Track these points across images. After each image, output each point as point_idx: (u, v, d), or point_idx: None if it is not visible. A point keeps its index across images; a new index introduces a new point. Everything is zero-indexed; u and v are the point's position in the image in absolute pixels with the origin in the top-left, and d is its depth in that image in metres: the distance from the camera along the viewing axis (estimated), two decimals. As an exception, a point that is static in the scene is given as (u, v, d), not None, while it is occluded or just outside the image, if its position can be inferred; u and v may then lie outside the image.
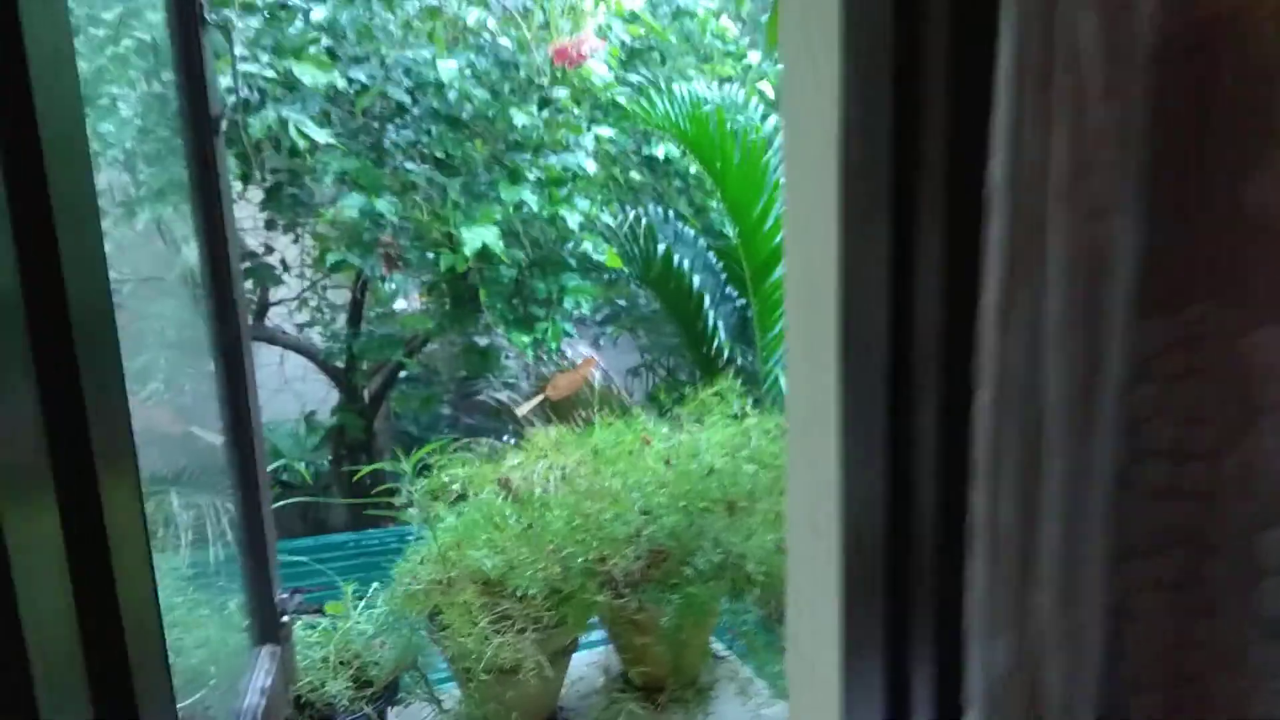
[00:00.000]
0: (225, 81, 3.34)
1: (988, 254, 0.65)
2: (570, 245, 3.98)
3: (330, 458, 5.55)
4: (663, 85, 4.89)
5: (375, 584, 2.27)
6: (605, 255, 4.02)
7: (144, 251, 1.79)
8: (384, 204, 3.57)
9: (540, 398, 4.15)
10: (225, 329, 1.74)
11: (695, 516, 2.14)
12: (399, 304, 5.36)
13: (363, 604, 2.22)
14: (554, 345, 4.11)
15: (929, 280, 0.71)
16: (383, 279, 3.83)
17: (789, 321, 0.88)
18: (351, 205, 3.56)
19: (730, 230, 5.04)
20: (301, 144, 3.42)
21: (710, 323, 4.77)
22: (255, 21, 3.56)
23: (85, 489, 0.72)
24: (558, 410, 4.29)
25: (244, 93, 3.39)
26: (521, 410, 4.08)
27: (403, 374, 5.39)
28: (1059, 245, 0.58)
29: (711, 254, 5.25)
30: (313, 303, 5.41)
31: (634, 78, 4.81)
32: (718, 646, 2.49)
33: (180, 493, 1.84)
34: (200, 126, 1.67)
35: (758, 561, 2.12)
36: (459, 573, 2.08)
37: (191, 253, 1.70)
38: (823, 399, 0.82)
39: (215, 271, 1.71)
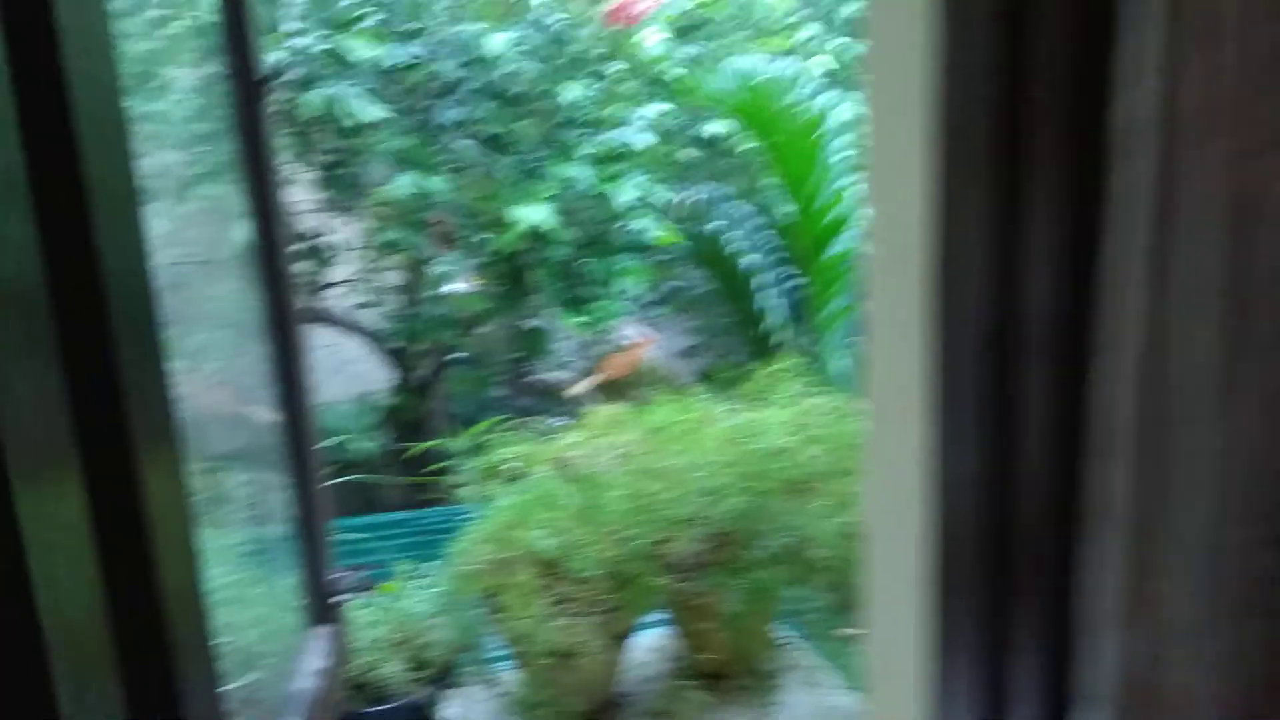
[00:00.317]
0: (276, 56, 3.34)
1: (1112, 205, 0.59)
2: (622, 225, 3.92)
3: (386, 437, 5.61)
4: (716, 59, 4.79)
5: (431, 564, 2.25)
6: (658, 234, 3.96)
7: (196, 230, 1.78)
8: (435, 182, 3.54)
9: (593, 379, 4.11)
10: (277, 306, 1.72)
11: (759, 498, 2.08)
12: (452, 286, 5.37)
13: (419, 584, 2.20)
14: (606, 326, 4.06)
15: (1038, 238, 0.65)
16: (435, 260, 3.81)
17: (870, 289, 0.82)
18: (403, 184, 3.55)
19: (785, 207, 4.94)
20: (351, 122, 3.40)
21: (764, 302, 4.68)
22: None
23: (121, 468, 0.70)
24: (610, 391, 4.25)
25: (295, 70, 3.38)
26: (573, 391, 4.05)
27: (455, 355, 5.40)
28: (1204, 190, 0.51)
29: (766, 232, 5.15)
30: (369, 284, 5.45)
31: (688, 50, 4.72)
32: (783, 633, 2.44)
33: (233, 470, 1.83)
34: (248, 100, 1.65)
35: (825, 546, 2.06)
36: (516, 553, 2.06)
37: (242, 229, 1.69)
38: (908, 372, 0.76)
39: (266, 247, 1.68)
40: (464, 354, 5.38)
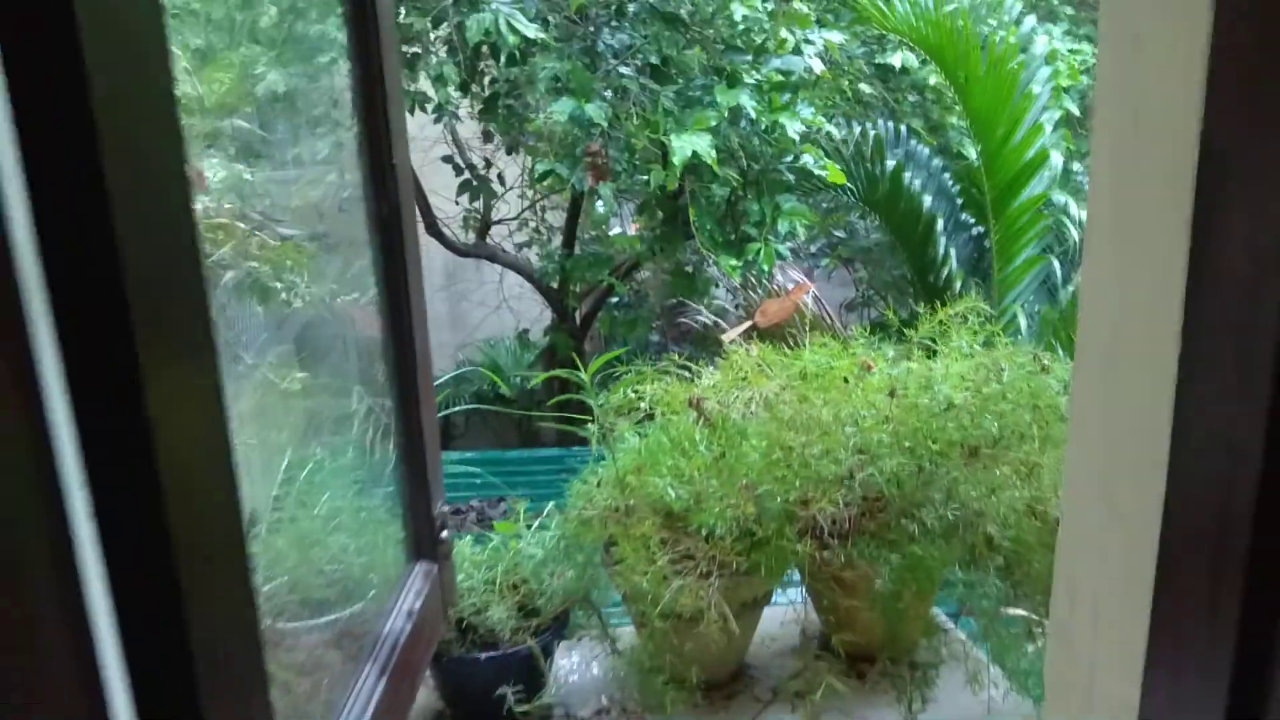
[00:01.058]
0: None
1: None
2: (789, 160, 3.55)
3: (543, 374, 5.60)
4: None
5: (554, 503, 2.04)
6: (826, 169, 3.57)
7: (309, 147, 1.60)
8: (594, 109, 3.30)
9: (748, 324, 3.80)
10: (383, 208, 1.52)
11: (924, 461, 1.73)
12: (613, 228, 5.19)
13: (536, 525, 1.99)
14: (765, 268, 3.72)
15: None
16: (591, 191, 3.58)
17: (1091, 214, 0.69)
18: (561, 110, 3.32)
19: (970, 150, 4.43)
20: (513, 40, 3.20)
21: (941, 250, 4.21)
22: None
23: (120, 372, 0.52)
24: (766, 338, 3.93)
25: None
26: (729, 336, 3.75)
27: (613, 296, 5.24)
28: None
29: (947, 176, 4.65)
30: (532, 223, 5.35)
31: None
32: (944, 620, 2.08)
33: (345, 392, 1.67)
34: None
35: (1002, 523, 1.69)
36: (638, 501, 1.81)
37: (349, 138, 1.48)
38: (1139, 316, 0.62)
39: (373, 161, 1.48)
40: (622, 295, 5.22)
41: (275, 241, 1.40)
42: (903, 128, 4.60)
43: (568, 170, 3.53)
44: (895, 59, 4.42)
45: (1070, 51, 4.51)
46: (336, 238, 1.61)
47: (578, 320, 5.34)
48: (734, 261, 3.78)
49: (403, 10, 3.65)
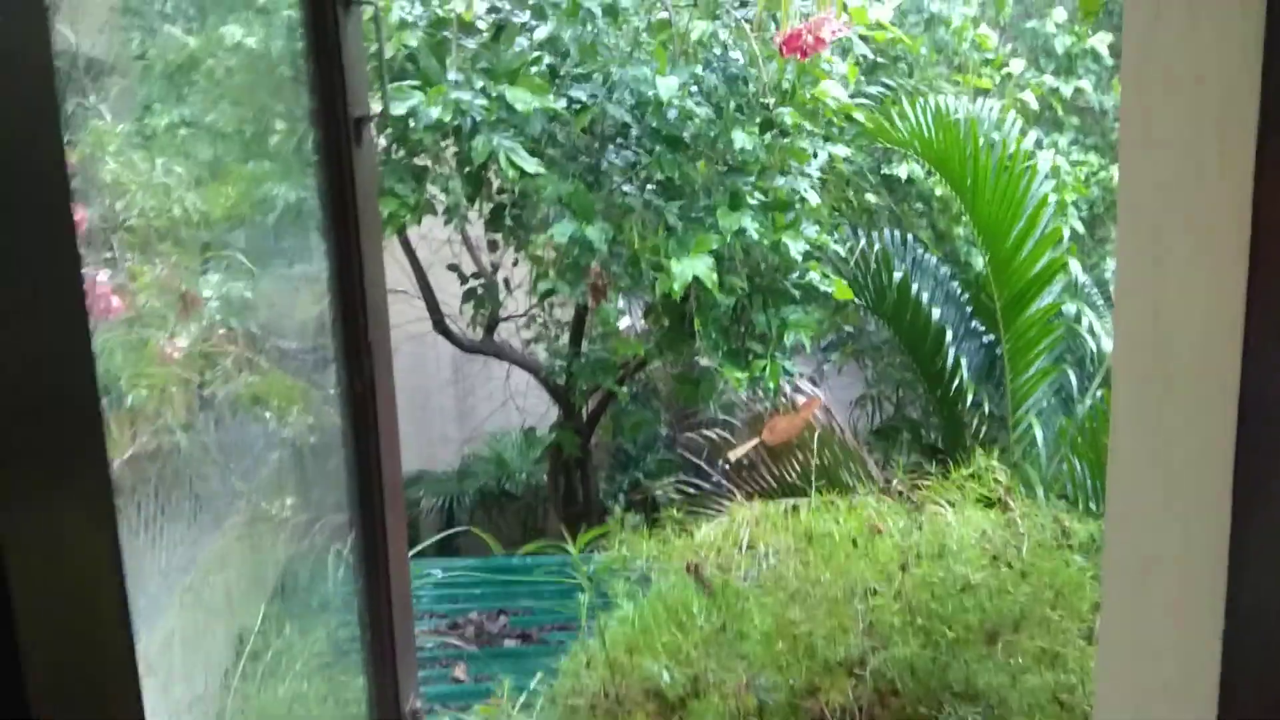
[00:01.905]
0: (436, 113, 3.13)
1: None
2: (794, 277, 3.46)
3: (548, 472, 5.48)
4: (907, 97, 4.29)
5: (534, 680, 1.87)
6: (833, 286, 3.47)
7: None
8: (594, 231, 3.23)
9: (755, 441, 3.66)
10: (357, 385, 1.41)
11: (941, 649, 1.57)
12: (623, 323, 5.12)
13: (521, 707, 1.83)
14: (772, 386, 3.61)
15: None
16: (592, 310, 3.50)
17: (1118, 349, 0.64)
18: (562, 232, 3.26)
19: (978, 259, 4.33)
20: (512, 174, 3.16)
21: (952, 361, 4.08)
22: (473, 42, 3.35)
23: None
24: (774, 454, 3.79)
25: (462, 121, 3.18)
26: (735, 454, 3.61)
27: (619, 395, 5.14)
28: None
29: (955, 284, 4.55)
30: (540, 319, 5.29)
31: (875, 89, 4.23)
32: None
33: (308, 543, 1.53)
34: (340, 141, 1.34)
35: (1026, 716, 1.51)
36: (630, 685, 1.65)
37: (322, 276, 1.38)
38: (1186, 486, 0.54)
39: (346, 315, 1.38)
40: (628, 394, 5.12)
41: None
42: (909, 237, 4.52)
43: (569, 288, 3.46)
44: (901, 170, 4.37)
45: (1075, 163, 4.44)
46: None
47: (584, 417, 5.24)
48: (739, 374, 3.66)
49: (411, 122, 3.63)
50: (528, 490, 6.26)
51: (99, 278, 1.07)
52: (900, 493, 1.96)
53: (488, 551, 5.10)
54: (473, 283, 4.59)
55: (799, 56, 3.04)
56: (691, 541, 1.91)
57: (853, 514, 1.86)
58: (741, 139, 3.16)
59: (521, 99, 3.04)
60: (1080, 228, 4.21)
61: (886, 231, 4.51)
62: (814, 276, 3.39)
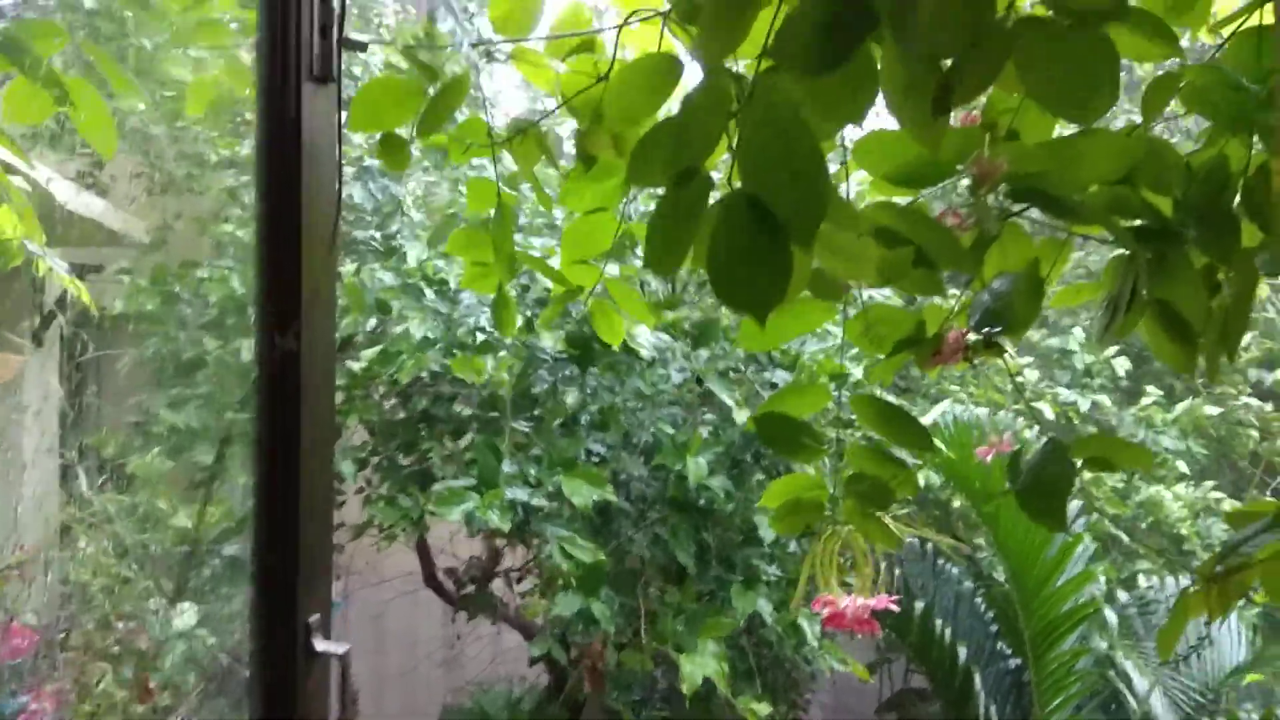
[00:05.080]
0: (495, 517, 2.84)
1: None
2: (809, 661, 3.13)
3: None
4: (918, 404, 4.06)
5: None
6: (852, 668, 3.13)
7: None
8: (600, 608, 2.91)
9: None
10: None
11: None
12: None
13: None
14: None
15: None
16: (586, 697, 3.16)
17: None
18: (568, 606, 2.93)
19: (1000, 573, 3.99)
20: (569, 567, 2.86)
21: (982, 710, 3.68)
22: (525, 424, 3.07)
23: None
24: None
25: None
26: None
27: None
28: None
29: (979, 600, 4.19)
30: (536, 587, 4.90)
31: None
32: None
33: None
34: None
35: None
36: None
37: None
38: None
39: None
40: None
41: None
42: (929, 545, 4.19)
43: (563, 656, 3.14)
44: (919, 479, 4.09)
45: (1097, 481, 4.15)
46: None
47: (572, 685, 4.80)
48: (755, 706, 3.28)
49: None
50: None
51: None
52: None
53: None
54: (476, 573, 4.27)
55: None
56: None
57: None
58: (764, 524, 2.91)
59: (579, 493, 2.77)
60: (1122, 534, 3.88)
61: (907, 541, 4.19)
62: (833, 663, 3.05)
